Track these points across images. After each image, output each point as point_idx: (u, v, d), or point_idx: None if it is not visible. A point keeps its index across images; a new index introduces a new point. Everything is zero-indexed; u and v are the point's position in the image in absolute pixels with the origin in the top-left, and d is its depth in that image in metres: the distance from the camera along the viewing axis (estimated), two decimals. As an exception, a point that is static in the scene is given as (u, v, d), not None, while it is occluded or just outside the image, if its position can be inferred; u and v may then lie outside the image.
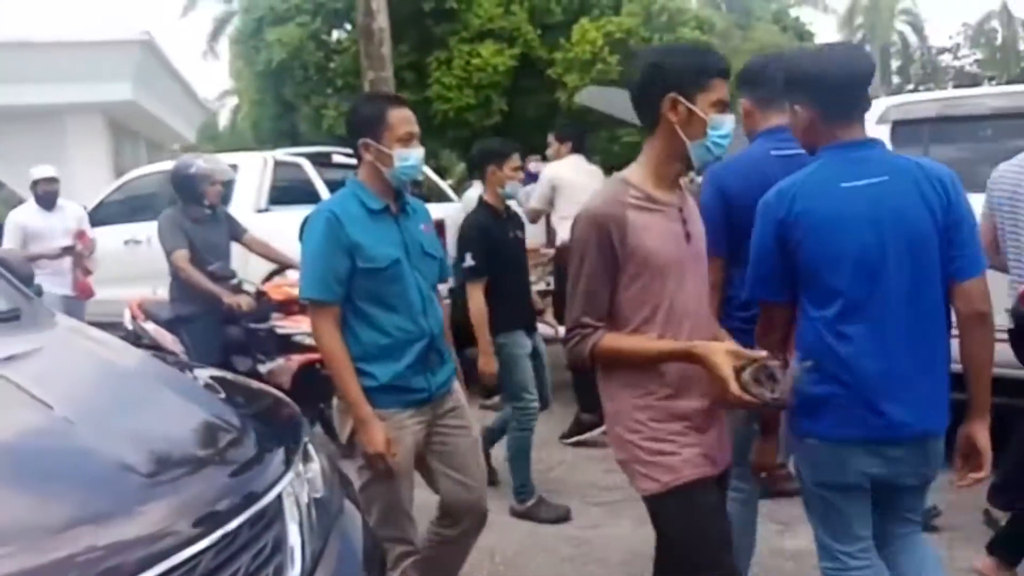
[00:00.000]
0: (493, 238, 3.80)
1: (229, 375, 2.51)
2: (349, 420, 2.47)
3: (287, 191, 6.65)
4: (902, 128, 4.25)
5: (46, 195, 5.91)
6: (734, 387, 1.80)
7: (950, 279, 1.98)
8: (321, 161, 6.87)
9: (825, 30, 43.57)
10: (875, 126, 4.32)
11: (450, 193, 7.72)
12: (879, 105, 4.47)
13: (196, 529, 1.45)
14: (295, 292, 4.58)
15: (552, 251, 5.97)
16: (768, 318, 2.11)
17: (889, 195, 1.94)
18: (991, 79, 24.89)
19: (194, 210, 4.60)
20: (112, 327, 5.36)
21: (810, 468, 2.08)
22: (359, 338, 2.44)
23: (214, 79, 53.48)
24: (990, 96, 4.71)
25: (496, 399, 5.04)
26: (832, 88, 1.99)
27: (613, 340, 1.95)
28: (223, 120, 30.23)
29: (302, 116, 15.35)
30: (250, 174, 6.52)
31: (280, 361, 4.63)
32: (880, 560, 2.11)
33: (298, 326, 4.58)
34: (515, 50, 13.97)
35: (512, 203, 4.11)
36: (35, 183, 5.94)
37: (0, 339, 2.11)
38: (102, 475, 1.52)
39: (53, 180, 6.01)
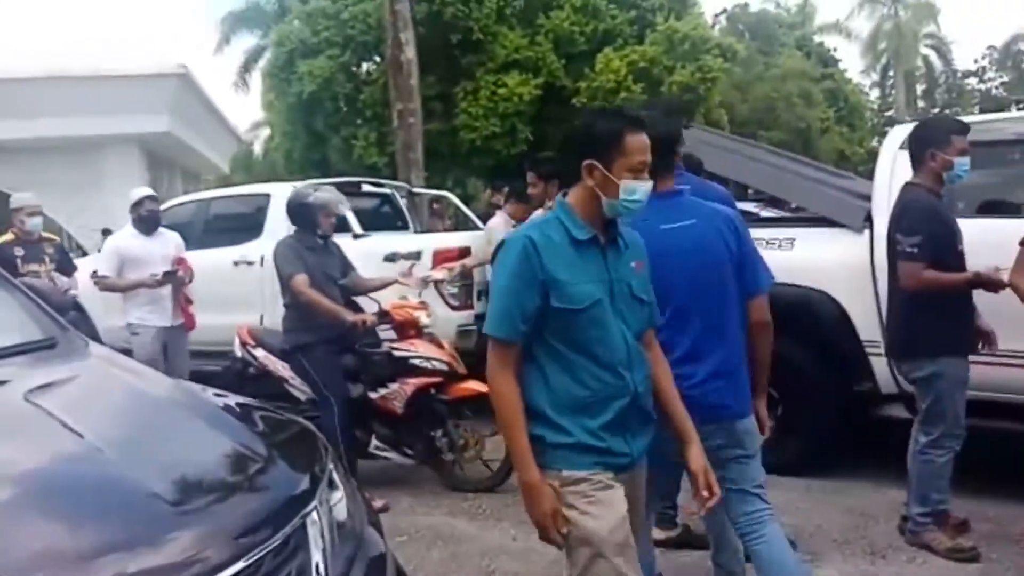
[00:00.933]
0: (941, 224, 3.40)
1: (255, 403, 2.53)
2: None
3: (316, 220, 6.77)
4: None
5: (150, 215, 5.45)
6: None
7: (746, 295, 2.57)
8: (350, 191, 6.98)
9: (849, 56, 43.35)
10: (899, 152, 4.29)
11: (476, 220, 7.79)
12: (902, 132, 4.44)
13: (222, 557, 1.47)
14: (415, 315, 4.63)
15: None
16: None
17: (697, 234, 2.52)
18: (1018, 103, 24.60)
19: (308, 238, 4.58)
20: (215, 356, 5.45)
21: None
22: (550, 384, 2.08)
23: (246, 111, 54.42)
24: (1014, 121, 4.66)
25: None
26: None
27: None
28: (255, 150, 30.75)
29: (332, 146, 15.57)
30: (282, 204, 6.65)
31: (394, 386, 4.53)
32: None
33: (416, 349, 4.54)
34: (540, 80, 14.08)
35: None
36: (137, 203, 5.44)
37: (35, 368, 2.18)
38: (131, 503, 1.55)
39: (156, 199, 5.60)
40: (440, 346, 4.65)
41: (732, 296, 2.55)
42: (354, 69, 15.40)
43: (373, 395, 4.56)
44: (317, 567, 1.70)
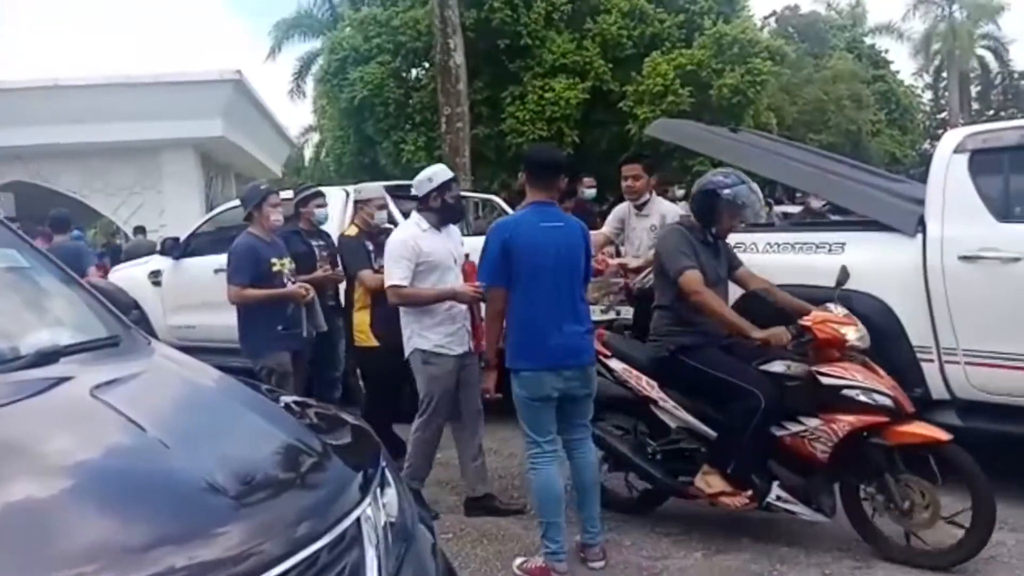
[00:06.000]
0: None
1: (311, 400, 2.58)
2: None
3: (366, 223, 6.89)
4: (981, 157, 4.14)
5: (456, 203, 4.29)
6: None
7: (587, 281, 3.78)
8: (399, 193, 7.08)
9: (901, 57, 42.33)
10: (952, 156, 4.22)
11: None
12: (955, 135, 4.36)
13: (280, 550, 1.50)
14: (842, 331, 3.54)
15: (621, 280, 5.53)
16: (493, 298, 3.66)
17: (564, 234, 3.61)
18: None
19: (701, 232, 3.97)
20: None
21: (523, 388, 3.55)
22: None
23: (297, 116, 55.46)
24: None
25: None
26: (537, 170, 3.70)
27: None
28: (306, 154, 31.23)
29: (382, 150, 15.78)
30: (333, 206, 6.78)
31: (815, 423, 3.53)
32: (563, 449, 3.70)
33: (851, 376, 3.49)
34: (587, 84, 14.11)
35: None
36: (442, 187, 4.18)
37: (100, 364, 2.24)
38: (191, 495, 1.60)
39: (458, 182, 4.43)
40: (877, 373, 3.56)
41: (580, 280, 3.65)
42: (404, 75, 15.60)
43: (780, 432, 3.62)
44: (372, 563, 1.73)
